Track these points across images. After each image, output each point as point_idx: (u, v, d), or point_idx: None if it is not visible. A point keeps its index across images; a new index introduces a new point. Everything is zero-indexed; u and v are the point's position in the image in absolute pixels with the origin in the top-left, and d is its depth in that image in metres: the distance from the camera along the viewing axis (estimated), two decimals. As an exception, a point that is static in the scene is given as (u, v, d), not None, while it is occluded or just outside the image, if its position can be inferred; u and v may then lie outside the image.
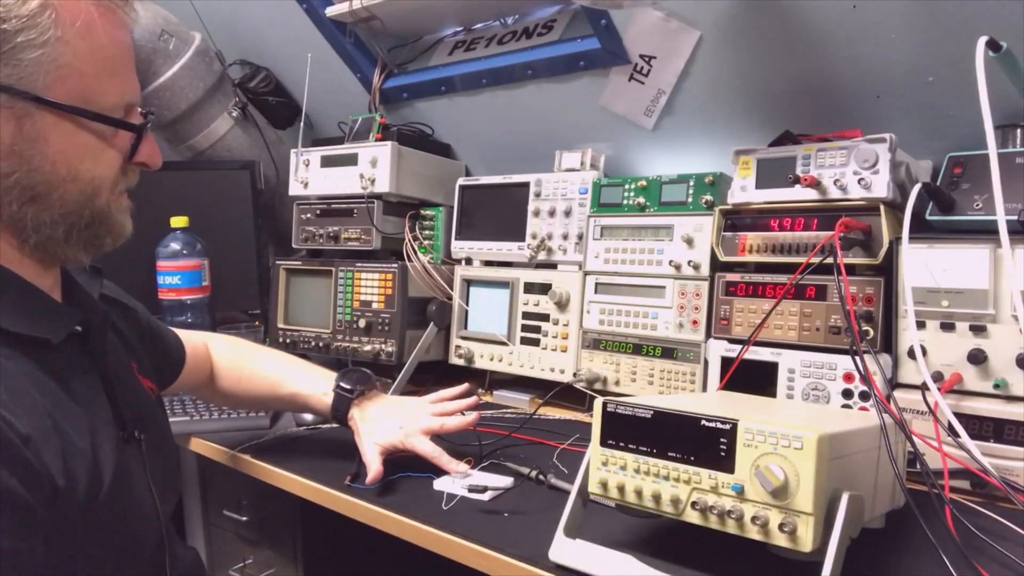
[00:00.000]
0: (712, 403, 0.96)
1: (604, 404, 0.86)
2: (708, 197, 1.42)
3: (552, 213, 1.65)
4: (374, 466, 1.11)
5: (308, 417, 1.47)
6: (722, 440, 0.76)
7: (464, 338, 1.78)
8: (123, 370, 0.91)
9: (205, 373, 1.27)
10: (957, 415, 1.03)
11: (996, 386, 1.08)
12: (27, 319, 0.73)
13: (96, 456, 0.74)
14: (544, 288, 1.64)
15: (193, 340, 1.26)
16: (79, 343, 0.80)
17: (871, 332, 1.19)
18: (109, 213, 0.80)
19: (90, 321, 0.82)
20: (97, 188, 0.78)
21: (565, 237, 1.64)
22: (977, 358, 1.09)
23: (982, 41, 1.00)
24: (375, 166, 1.83)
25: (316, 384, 1.26)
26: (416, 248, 1.84)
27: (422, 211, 1.92)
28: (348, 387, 1.23)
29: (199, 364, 1.25)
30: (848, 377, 1.22)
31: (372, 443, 1.15)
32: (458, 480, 1.11)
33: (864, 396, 1.20)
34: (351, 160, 1.88)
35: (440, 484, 1.11)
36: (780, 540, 0.73)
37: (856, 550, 0.75)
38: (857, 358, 1.00)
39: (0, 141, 0.70)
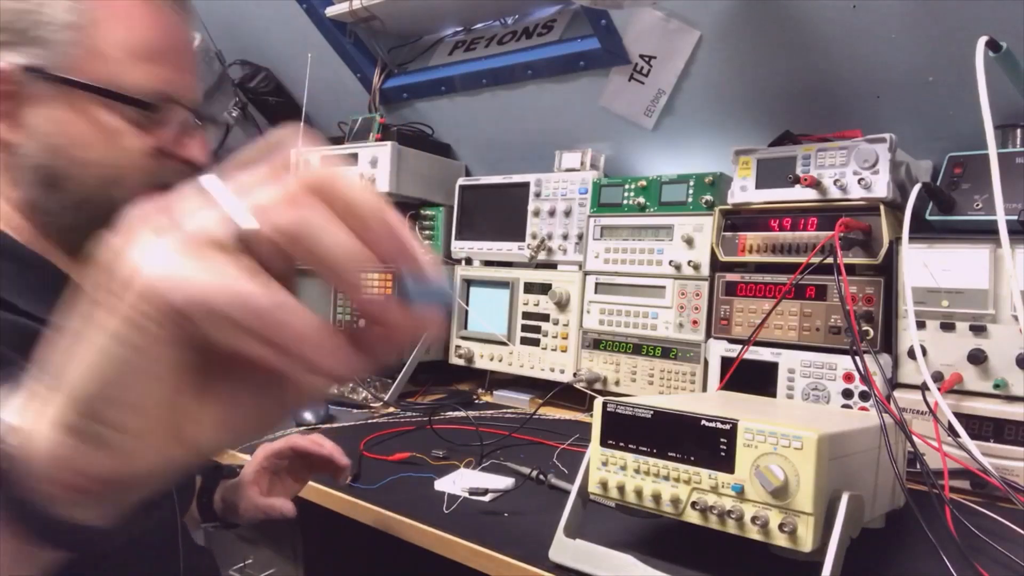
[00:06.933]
0: (712, 403, 0.96)
1: (604, 404, 0.86)
2: (708, 197, 1.42)
3: (552, 213, 1.65)
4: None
5: (308, 416, 1.47)
6: (722, 440, 0.76)
7: (464, 338, 1.78)
8: None
9: None
10: (957, 415, 1.03)
11: (996, 386, 1.08)
12: (47, 305, 0.73)
13: None
14: (544, 288, 1.64)
15: None
16: None
17: (871, 332, 1.19)
18: (113, 208, 0.77)
19: None
20: (119, 175, 0.74)
21: (565, 237, 1.64)
22: (977, 358, 1.09)
23: (982, 41, 1.00)
24: (375, 166, 1.83)
25: None
26: (416, 248, 1.84)
27: (422, 211, 1.92)
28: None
29: None
30: (848, 377, 1.22)
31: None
32: (459, 482, 1.11)
33: (864, 396, 1.19)
34: (351, 160, 1.88)
35: (441, 485, 1.11)
36: (780, 540, 0.73)
37: (856, 550, 0.75)
38: (857, 358, 1.00)
39: (31, 122, 0.70)
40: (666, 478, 0.80)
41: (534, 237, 1.68)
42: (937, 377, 1.10)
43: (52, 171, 0.71)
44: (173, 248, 0.31)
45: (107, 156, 0.73)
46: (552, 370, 1.62)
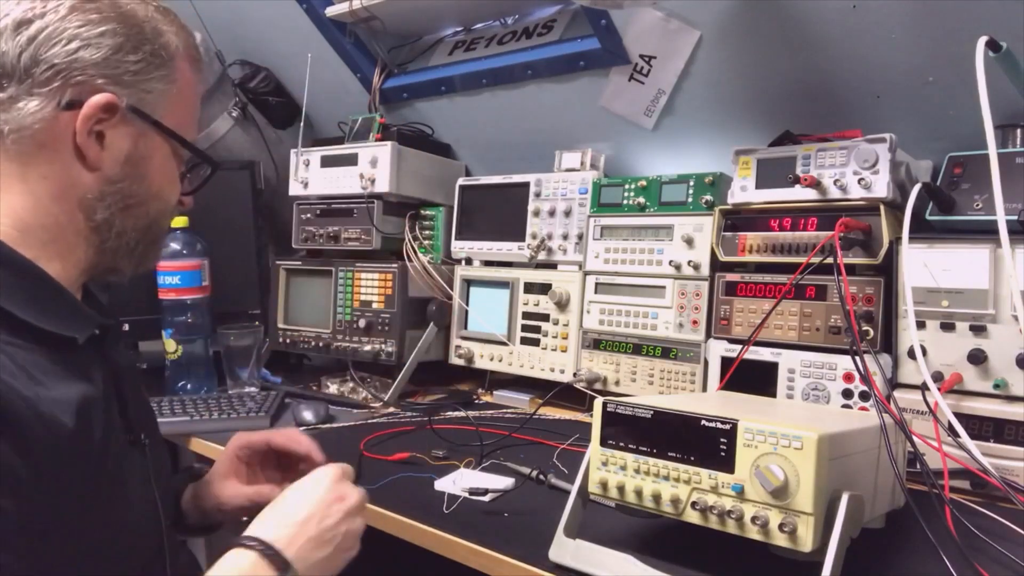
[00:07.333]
0: (712, 403, 0.96)
1: (604, 404, 0.86)
2: (708, 197, 1.42)
3: (552, 213, 1.65)
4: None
5: (308, 416, 1.47)
6: (722, 440, 0.77)
7: (464, 338, 1.78)
8: (134, 374, 0.93)
9: None
10: (957, 415, 1.03)
11: (996, 386, 1.08)
12: (57, 319, 0.76)
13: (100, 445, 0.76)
14: (544, 288, 1.64)
15: None
16: (96, 345, 0.83)
17: (871, 332, 1.19)
18: (161, 236, 0.92)
19: (106, 325, 0.85)
20: (168, 209, 0.90)
21: (565, 237, 1.64)
22: (977, 358, 1.09)
23: (982, 41, 1.00)
24: (375, 166, 1.83)
25: None
26: (416, 248, 1.84)
27: (422, 211, 1.92)
28: None
29: None
30: (848, 377, 1.22)
31: None
32: (459, 482, 1.11)
33: (864, 396, 1.20)
34: (351, 160, 1.88)
35: (441, 485, 1.11)
36: (780, 540, 0.73)
37: (856, 550, 0.75)
38: (857, 358, 1.00)
39: (120, 152, 0.81)
40: (666, 478, 0.80)
41: (534, 237, 1.68)
42: (937, 377, 1.10)
43: (131, 195, 0.83)
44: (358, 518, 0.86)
45: (165, 192, 0.88)
46: (552, 370, 1.62)
